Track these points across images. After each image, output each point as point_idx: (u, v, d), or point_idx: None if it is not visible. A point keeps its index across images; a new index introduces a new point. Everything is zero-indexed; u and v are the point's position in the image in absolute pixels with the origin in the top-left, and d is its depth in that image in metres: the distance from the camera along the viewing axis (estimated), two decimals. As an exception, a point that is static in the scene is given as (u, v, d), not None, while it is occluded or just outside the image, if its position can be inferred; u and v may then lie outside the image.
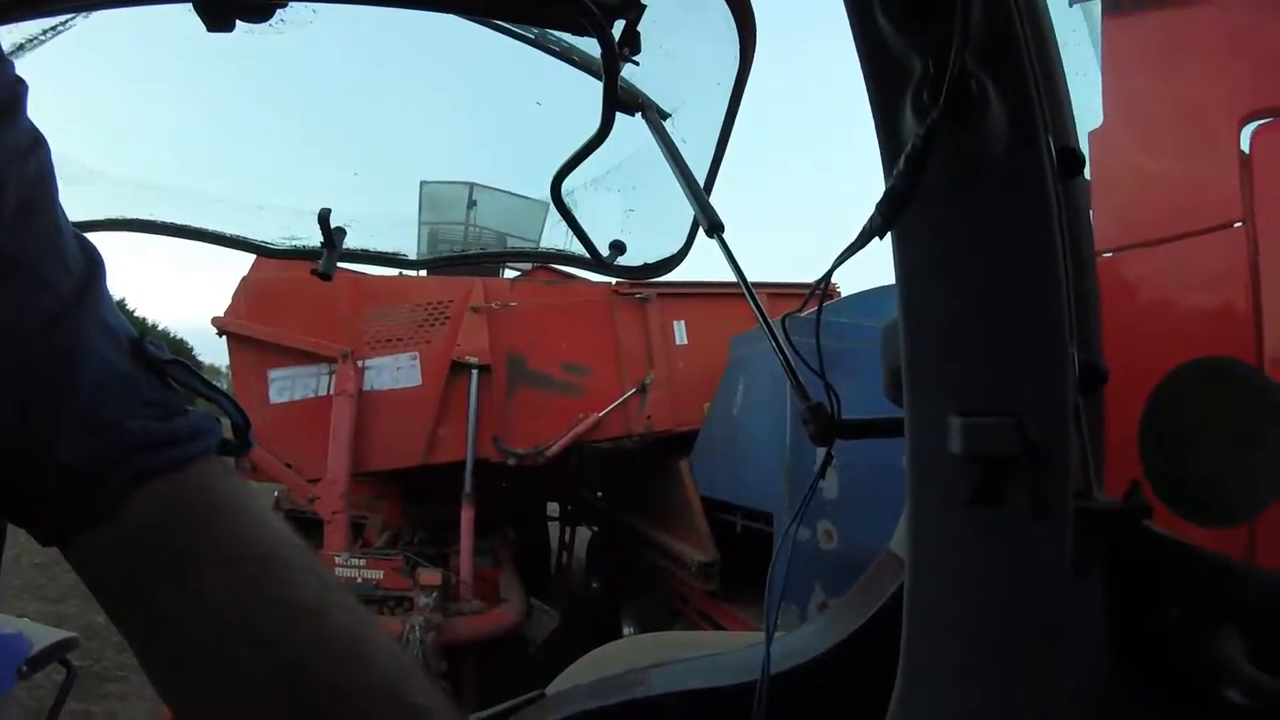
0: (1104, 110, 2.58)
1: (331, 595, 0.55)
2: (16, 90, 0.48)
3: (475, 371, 6.46)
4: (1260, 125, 2.28)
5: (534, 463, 6.55)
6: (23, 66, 0.49)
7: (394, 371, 6.50)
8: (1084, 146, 0.95)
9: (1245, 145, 2.30)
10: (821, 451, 0.92)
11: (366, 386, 6.42)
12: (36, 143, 0.49)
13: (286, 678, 0.52)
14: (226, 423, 0.58)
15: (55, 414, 0.47)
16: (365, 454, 6.37)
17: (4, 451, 0.47)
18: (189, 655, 0.52)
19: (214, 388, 0.57)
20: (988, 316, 0.76)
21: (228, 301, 6.43)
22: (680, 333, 7.02)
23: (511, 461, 6.51)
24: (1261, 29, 2.36)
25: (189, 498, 0.51)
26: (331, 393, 6.29)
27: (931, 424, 0.79)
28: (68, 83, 1.15)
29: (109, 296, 0.51)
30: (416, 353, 6.55)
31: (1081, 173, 0.86)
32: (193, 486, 0.51)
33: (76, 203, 0.51)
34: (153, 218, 1.25)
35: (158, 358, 0.52)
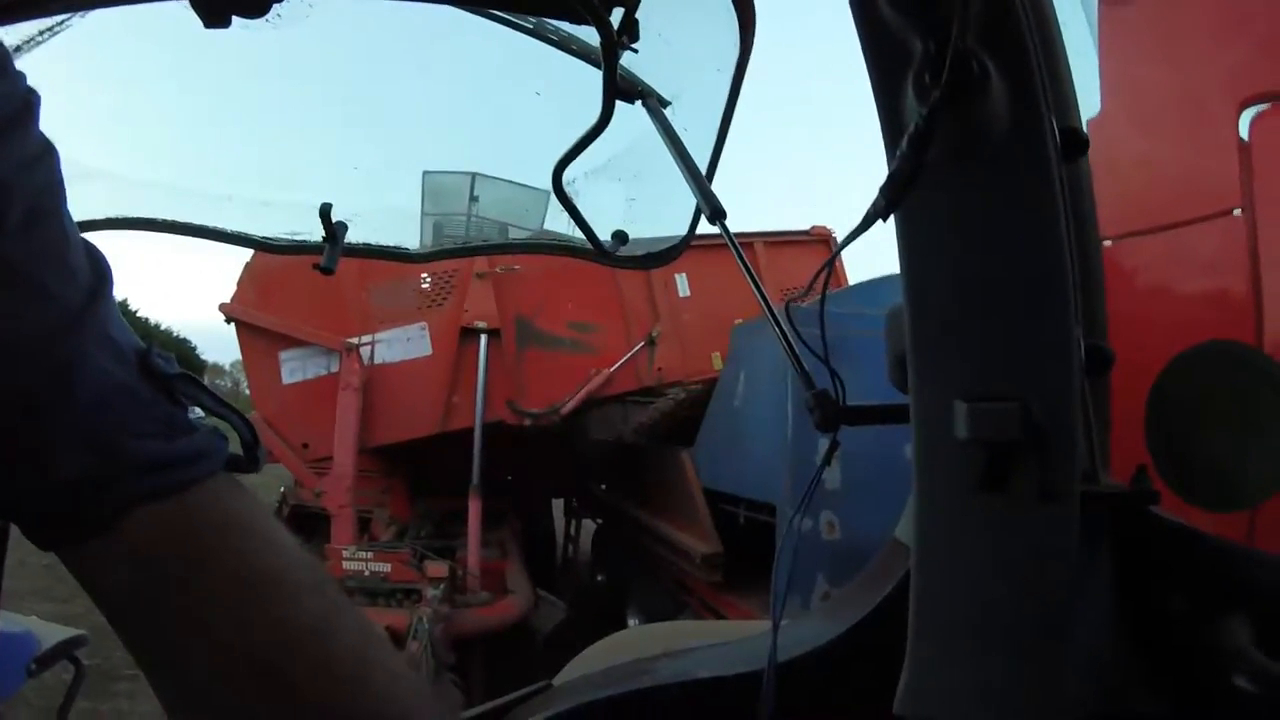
0: (1102, 98, 2.57)
1: (340, 617, 0.55)
2: (29, 100, 0.48)
3: (484, 336, 6.51)
4: (1259, 111, 2.26)
5: (549, 422, 6.60)
6: (20, 67, 0.48)
7: (404, 343, 6.56)
8: (1083, 131, 0.94)
9: (1244, 131, 2.29)
10: (825, 441, 0.92)
11: (378, 360, 6.48)
12: (46, 151, 0.49)
13: (282, 700, 0.52)
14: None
15: (50, 426, 0.46)
16: (382, 428, 6.43)
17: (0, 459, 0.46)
18: (184, 672, 0.52)
19: (222, 402, 0.56)
20: (992, 299, 0.75)
21: (232, 290, 6.47)
22: (683, 285, 7.07)
23: (527, 422, 6.55)
24: (1259, 14, 2.34)
25: (191, 520, 0.50)
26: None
27: (937, 409, 0.78)
28: (66, 83, 1.15)
29: (115, 309, 0.51)
30: (425, 322, 6.61)
31: (1085, 153, 0.86)
32: (195, 508, 0.50)
33: (77, 203, 0.50)
34: (154, 216, 1.24)
35: (164, 372, 0.51)
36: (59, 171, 0.49)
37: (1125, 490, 0.84)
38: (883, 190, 0.68)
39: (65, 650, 3.31)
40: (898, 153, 0.66)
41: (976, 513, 0.79)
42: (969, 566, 0.81)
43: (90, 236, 0.51)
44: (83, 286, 0.48)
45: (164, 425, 0.50)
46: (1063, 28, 0.90)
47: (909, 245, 0.77)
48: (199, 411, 0.55)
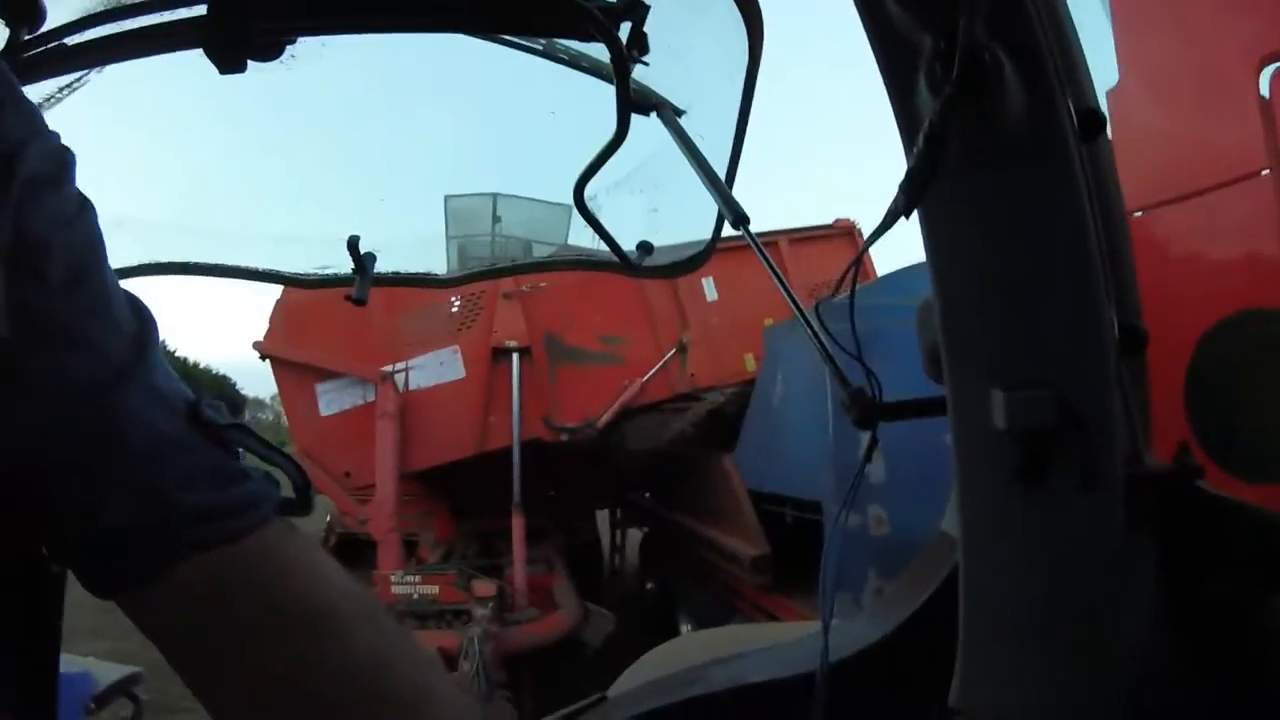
0: (1119, 67, 2.53)
1: (393, 645, 0.56)
2: (64, 159, 0.49)
3: (516, 355, 6.54)
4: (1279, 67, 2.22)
5: (585, 436, 6.61)
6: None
7: (437, 367, 6.60)
8: (1102, 106, 0.93)
9: (1265, 89, 2.24)
10: (866, 436, 0.91)
11: (413, 386, 6.54)
12: (84, 208, 0.50)
13: None
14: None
15: (98, 477, 0.47)
16: (421, 452, 6.48)
17: (52, 510, 0.48)
18: (242, 708, 0.53)
19: (273, 448, 0.57)
20: (1021, 288, 0.75)
21: (265, 326, 6.59)
22: (710, 289, 7.05)
23: (564, 437, 6.57)
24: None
25: (244, 568, 0.51)
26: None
27: (973, 400, 0.78)
28: (90, 133, 1.17)
29: (162, 360, 0.51)
30: (457, 346, 6.65)
31: (1104, 132, 0.85)
32: (248, 555, 0.51)
33: (110, 251, 0.51)
34: (186, 260, 1.27)
35: (214, 422, 0.51)
36: (98, 226, 0.50)
37: (1170, 469, 0.83)
38: (902, 188, 0.68)
39: (123, 688, 3.40)
40: (915, 150, 0.66)
41: (1019, 503, 0.78)
42: (1015, 558, 0.81)
43: (127, 283, 0.52)
44: (128, 339, 0.49)
45: (214, 475, 0.51)
46: (1074, 1, 0.90)
47: (934, 239, 0.77)
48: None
